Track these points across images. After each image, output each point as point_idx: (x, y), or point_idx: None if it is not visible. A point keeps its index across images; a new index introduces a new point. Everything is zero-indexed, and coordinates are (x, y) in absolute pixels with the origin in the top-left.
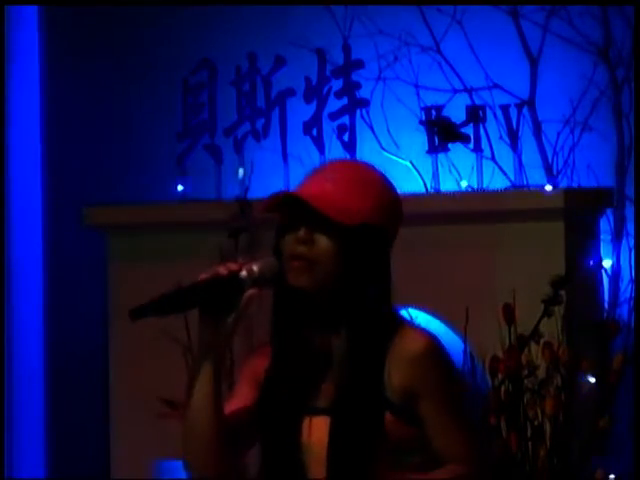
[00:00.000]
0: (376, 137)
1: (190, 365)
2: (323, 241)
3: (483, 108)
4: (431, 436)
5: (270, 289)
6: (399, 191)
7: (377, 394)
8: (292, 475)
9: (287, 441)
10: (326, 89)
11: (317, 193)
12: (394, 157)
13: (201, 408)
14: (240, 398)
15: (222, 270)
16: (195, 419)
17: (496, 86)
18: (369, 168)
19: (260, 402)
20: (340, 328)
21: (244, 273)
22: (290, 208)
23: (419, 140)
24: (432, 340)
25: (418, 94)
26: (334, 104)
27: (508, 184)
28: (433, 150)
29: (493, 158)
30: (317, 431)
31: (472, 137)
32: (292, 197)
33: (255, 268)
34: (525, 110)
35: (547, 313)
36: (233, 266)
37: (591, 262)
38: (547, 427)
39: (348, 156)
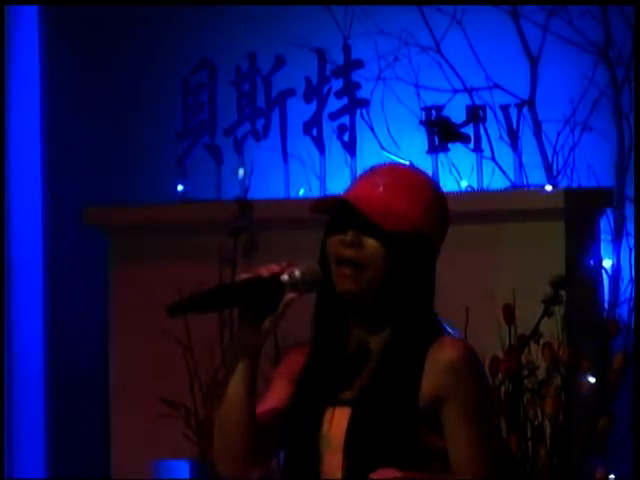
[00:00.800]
0: (376, 137)
1: (190, 367)
2: (371, 245)
3: (483, 108)
4: (449, 444)
5: (310, 294)
6: None
7: (405, 395)
8: (308, 465)
9: (306, 431)
10: (326, 89)
11: (367, 197)
12: (394, 157)
13: (234, 408)
14: (274, 397)
15: (263, 271)
16: (228, 418)
17: (496, 86)
18: (420, 174)
19: (293, 396)
20: (381, 330)
21: (285, 276)
22: (338, 210)
23: (419, 140)
24: (469, 350)
25: (418, 94)
26: (334, 104)
27: (508, 184)
28: (433, 150)
29: (493, 158)
30: (338, 422)
31: (472, 137)
32: (341, 200)
33: (297, 273)
34: (525, 110)
35: (547, 313)
36: (275, 268)
37: (591, 262)
38: (547, 427)
39: (348, 156)
